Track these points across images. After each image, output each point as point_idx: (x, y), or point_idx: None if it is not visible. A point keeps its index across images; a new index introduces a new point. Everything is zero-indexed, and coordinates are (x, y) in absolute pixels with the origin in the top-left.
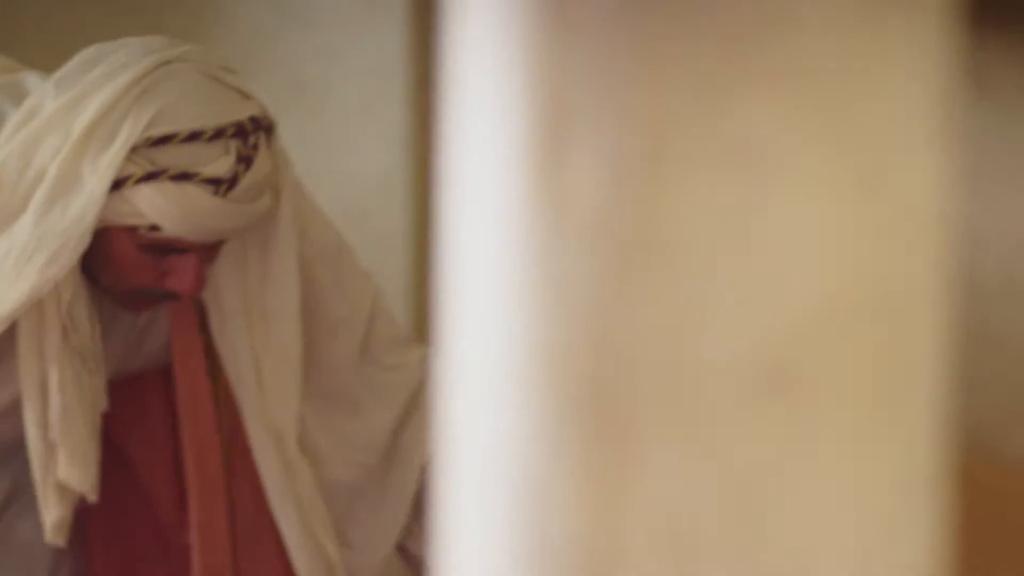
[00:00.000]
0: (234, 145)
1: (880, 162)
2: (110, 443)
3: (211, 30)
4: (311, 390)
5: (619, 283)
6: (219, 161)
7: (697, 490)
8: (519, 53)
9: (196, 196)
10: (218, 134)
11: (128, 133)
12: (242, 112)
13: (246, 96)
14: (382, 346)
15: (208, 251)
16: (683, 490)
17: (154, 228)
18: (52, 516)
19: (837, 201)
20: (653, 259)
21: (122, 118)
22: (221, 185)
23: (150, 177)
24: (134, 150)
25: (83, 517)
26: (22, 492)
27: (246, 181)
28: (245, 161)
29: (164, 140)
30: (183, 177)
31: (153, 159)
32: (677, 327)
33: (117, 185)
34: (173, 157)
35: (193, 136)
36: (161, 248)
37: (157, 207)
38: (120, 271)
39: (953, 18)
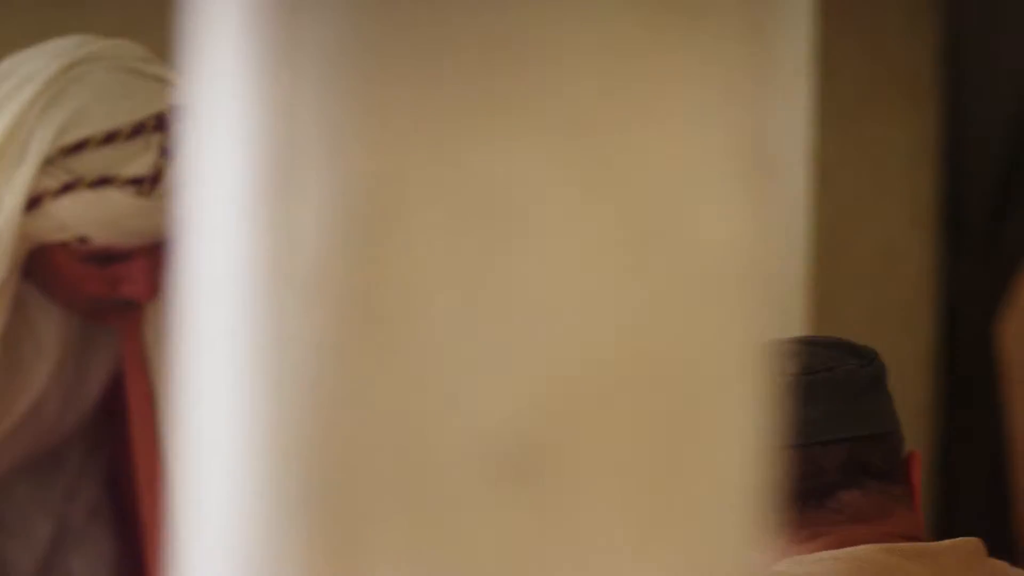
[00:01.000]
0: (156, 139)
1: (664, 213)
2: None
3: None
4: None
5: (348, 350)
6: (139, 159)
7: None
8: (246, 88)
9: (117, 201)
10: (137, 130)
11: (38, 146)
12: (163, 102)
13: (169, 84)
14: None
15: (159, 251)
16: None
17: (83, 239)
18: None
19: (607, 258)
20: (385, 323)
21: (31, 132)
22: (143, 184)
23: (67, 188)
24: (50, 162)
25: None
26: (70, 530)
27: (172, 174)
28: (168, 154)
29: (79, 147)
30: (102, 183)
31: (70, 168)
32: (412, 402)
33: (37, 201)
34: (90, 163)
35: (109, 137)
36: (108, 256)
37: (79, 218)
38: (69, 287)
39: (763, 41)
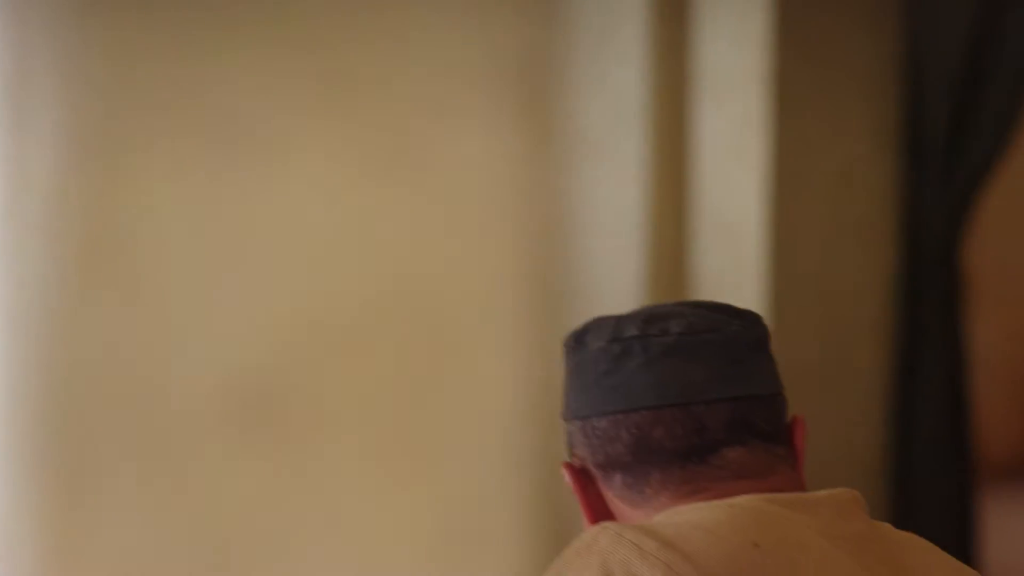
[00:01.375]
0: None
1: (418, 138)
2: None
3: None
4: None
5: (82, 288)
6: None
7: (168, 536)
8: None
9: None
10: None
11: None
12: None
13: None
14: None
15: None
16: (151, 536)
17: None
18: None
19: (364, 190)
20: (116, 261)
21: None
22: None
23: None
24: None
25: None
26: None
27: None
28: None
29: None
30: None
31: None
32: (149, 341)
33: None
34: None
35: None
36: None
37: None
38: None
39: None
